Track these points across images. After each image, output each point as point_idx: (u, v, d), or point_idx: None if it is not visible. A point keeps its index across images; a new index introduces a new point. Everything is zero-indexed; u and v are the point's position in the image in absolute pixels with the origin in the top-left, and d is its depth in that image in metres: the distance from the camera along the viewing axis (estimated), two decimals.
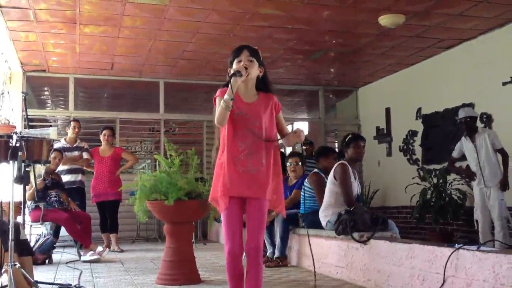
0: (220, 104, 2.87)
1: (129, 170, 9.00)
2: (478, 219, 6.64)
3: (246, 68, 2.92)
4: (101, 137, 7.95)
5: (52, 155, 6.69)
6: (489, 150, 6.50)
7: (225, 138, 2.97)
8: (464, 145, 6.77)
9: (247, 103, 3.00)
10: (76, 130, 7.86)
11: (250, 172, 2.94)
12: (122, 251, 7.67)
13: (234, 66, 3.00)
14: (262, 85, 3.08)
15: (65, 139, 7.91)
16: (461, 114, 6.73)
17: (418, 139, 9.11)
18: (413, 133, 9.23)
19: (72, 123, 7.91)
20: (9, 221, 3.58)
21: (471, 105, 7.49)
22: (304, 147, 9.17)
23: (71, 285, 4.49)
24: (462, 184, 7.69)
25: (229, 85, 2.86)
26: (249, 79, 2.98)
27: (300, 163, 6.41)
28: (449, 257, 3.42)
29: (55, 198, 6.75)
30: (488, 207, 6.52)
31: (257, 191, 2.96)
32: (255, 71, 3.00)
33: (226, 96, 2.84)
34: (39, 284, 3.89)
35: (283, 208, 3.14)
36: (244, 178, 2.93)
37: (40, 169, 6.80)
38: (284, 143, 3.20)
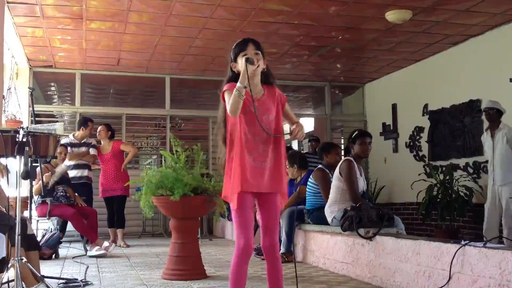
0: (233, 94, 2.79)
1: (135, 166, 9.02)
2: (485, 214, 6.57)
3: (257, 60, 2.89)
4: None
5: (57, 150, 6.71)
6: (504, 148, 6.34)
7: (235, 133, 2.91)
8: (485, 139, 6.64)
9: (256, 98, 2.94)
10: (91, 130, 7.91)
11: (264, 166, 2.90)
12: (128, 246, 7.69)
13: (240, 60, 2.95)
14: (266, 78, 3.04)
15: (73, 135, 7.93)
16: (488, 104, 6.55)
17: (424, 136, 9.08)
18: (419, 129, 9.20)
19: (89, 123, 7.90)
20: (16, 216, 3.60)
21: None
22: (309, 143, 9.20)
23: (77, 279, 4.50)
24: (469, 180, 7.67)
25: (241, 73, 2.81)
26: (256, 74, 2.93)
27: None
28: (455, 253, 3.41)
29: (62, 193, 6.78)
30: (498, 205, 6.42)
31: (272, 185, 2.92)
32: (262, 64, 2.96)
33: (239, 84, 2.78)
34: (45, 279, 3.90)
35: (284, 203, 3.09)
36: (259, 173, 2.88)
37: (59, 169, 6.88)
38: (290, 137, 3.10)
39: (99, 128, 8.02)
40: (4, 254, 3.66)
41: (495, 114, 6.51)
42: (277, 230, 3.02)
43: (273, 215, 2.98)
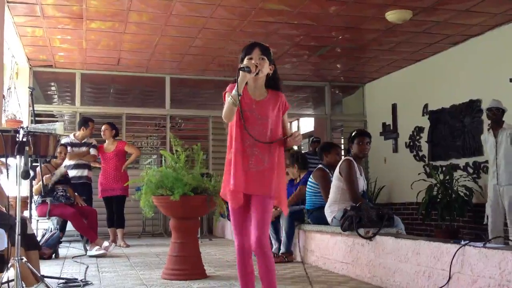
0: (227, 101, 2.87)
1: (135, 166, 9.01)
2: (488, 214, 6.54)
3: (256, 66, 2.91)
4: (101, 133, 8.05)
5: (57, 150, 6.71)
6: (509, 148, 6.32)
7: (233, 134, 2.97)
8: (487, 138, 6.65)
9: (255, 100, 2.99)
10: (92, 130, 7.91)
11: (255, 169, 2.95)
12: (128, 246, 7.69)
13: (245, 63, 2.97)
14: (272, 83, 3.07)
15: (74, 134, 7.93)
16: (492, 104, 6.53)
17: (424, 136, 9.08)
18: (419, 129, 9.20)
19: (90, 123, 7.91)
20: (16, 215, 3.60)
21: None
22: (311, 144, 9.22)
23: (77, 279, 4.50)
24: (469, 180, 7.67)
25: (237, 82, 2.85)
26: (259, 77, 2.97)
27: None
28: (455, 253, 3.41)
29: (61, 193, 6.77)
30: (501, 204, 6.40)
31: (261, 188, 2.96)
32: (266, 69, 2.99)
33: (233, 92, 2.85)
34: (45, 279, 3.90)
35: (286, 209, 3.15)
36: (249, 175, 2.94)
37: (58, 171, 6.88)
38: (289, 139, 3.13)
39: (103, 127, 8.01)
40: (6, 245, 3.66)
41: (500, 114, 6.51)
42: (265, 228, 2.99)
43: (260, 213, 2.97)
